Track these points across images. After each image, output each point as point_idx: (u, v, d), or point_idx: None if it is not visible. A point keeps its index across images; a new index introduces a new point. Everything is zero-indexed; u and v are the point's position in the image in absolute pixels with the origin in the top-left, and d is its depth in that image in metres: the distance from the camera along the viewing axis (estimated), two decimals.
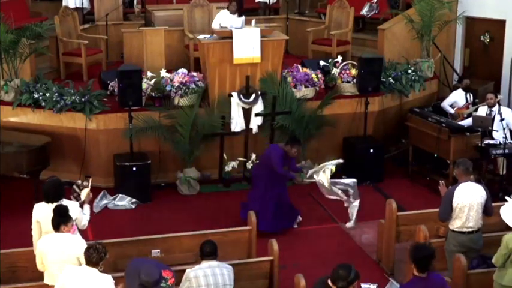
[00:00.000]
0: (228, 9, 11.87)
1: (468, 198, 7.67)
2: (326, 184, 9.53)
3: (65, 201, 7.19)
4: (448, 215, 7.76)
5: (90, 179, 7.88)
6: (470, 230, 7.73)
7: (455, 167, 7.93)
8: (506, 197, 7.61)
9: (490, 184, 10.10)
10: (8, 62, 10.96)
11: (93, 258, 6.15)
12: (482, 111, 11.10)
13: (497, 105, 11.00)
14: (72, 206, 7.15)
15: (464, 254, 7.63)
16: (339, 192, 9.62)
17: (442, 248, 8.02)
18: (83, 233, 7.48)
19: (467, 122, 11.23)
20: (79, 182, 7.91)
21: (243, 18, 11.85)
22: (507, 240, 6.93)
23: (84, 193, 7.75)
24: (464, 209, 7.67)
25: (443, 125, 11.17)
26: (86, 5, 14.46)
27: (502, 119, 10.78)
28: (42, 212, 7.23)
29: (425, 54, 12.69)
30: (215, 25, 11.85)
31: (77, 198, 7.75)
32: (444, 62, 13.34)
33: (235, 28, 11.24)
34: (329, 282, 5.86)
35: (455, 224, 7.76)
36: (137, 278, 5.99)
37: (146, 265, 6.15)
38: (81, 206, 7.59)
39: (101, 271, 6.29)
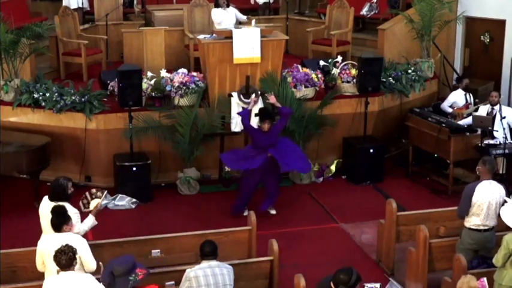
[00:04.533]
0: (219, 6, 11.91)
1: (488, 196, 7.66)
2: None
3: (64, 204, 7.19)
4: (466, 211, 7.75)
5: (105, 192, 7.81)
6: (486, 228, 7.73)
7: (480, 163, 7.80)
8: (506, 198, 7.61)
9: None
10: (8, 62, 10.96)
11: (63, 260, 6.07)
12: (484, 109, 11.10)
13: (498, 104, 11.02)
14: (69, 210, 7.13)
15: (476, 252, 7.66)
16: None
17: (443, 248, 8.03)
18: None
19: (467, 120, 11.23)
20: (93, 190, 7.80)
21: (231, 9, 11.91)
22: (507, 241, 6.94)
23: (94, 203, 7.66)
24: (483, 206, 7.66)
25: (443, 125, 11.17)
26: (86, 5, 14.46)
27: (502, 118, 10.79)
28: (42, 207, 7.40)
29: (425, 54, 12.68)
30: (218, 20, 11.93)
31: (85, 205, 7.69)
32: (444, 62, 13.34)
33: (234, 28, 11.26)
34: (332, 285, 5.87)
35: (472, 221, 7.75)
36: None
37: (122, 257, 6.18)
38: (86, 214, 7.57)
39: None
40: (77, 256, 6.17)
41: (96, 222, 7.52)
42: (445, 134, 11.02)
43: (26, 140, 10.53)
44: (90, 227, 7.49)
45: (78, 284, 6.08)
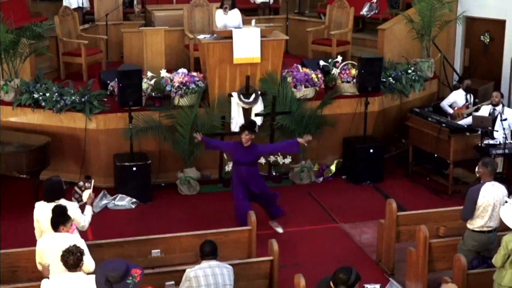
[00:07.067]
0: (221, 8, 11.85)
1: (493, 197, 7.64)
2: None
3: (64, 202, 7.22)
4: (471, 214, 7.71)
5: (92, 181, 7.89)
6: (490, 229, 7.71)
7: (481, 165, 7.76)
8: (506, 198, 7.60)
9: None
10: (8, 62, 10.96)
11: (70, 260, 6.07)
12: (486, 109, 11.10)
13: (501, 105, 11.02)
14: (70, 206, 7.17)
15: (478, 253, 7.66)
16: None
17: (443, 248, 8.03)
18: (83, 233, 7.50)
19: (467, 121, 11.23)
20: (81, 183, 7.91)
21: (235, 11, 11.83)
22: (506, 241, 6.93)
23: (86, 194, 7.79)
24: (488, 208, 7.63)
25: (443, 125, 11.17)
26: (86, 5, 14.47)
27: (503, 119, 10.78)
28: (41, 211, 7.32)
29: (425, 54, 12.68)
30: (219, 24, 11.83)
31: (78, 199, 7.75)
32: (444, 62, 13.34)
33: (235, 28, 11.25)
34: (331, 284, 5.89)
35: (476, 224, 7.71)
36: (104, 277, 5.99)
37: (112, 262, 6.16)
38: (83, 207, 7.61)
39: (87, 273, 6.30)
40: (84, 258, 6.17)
41: (94, 211, 7.67)
42: (445, 134, 11.02)
43: (26, 140, 10.53)
44: (91, 216, 7.59)
45: (84, 285, 6.06)
